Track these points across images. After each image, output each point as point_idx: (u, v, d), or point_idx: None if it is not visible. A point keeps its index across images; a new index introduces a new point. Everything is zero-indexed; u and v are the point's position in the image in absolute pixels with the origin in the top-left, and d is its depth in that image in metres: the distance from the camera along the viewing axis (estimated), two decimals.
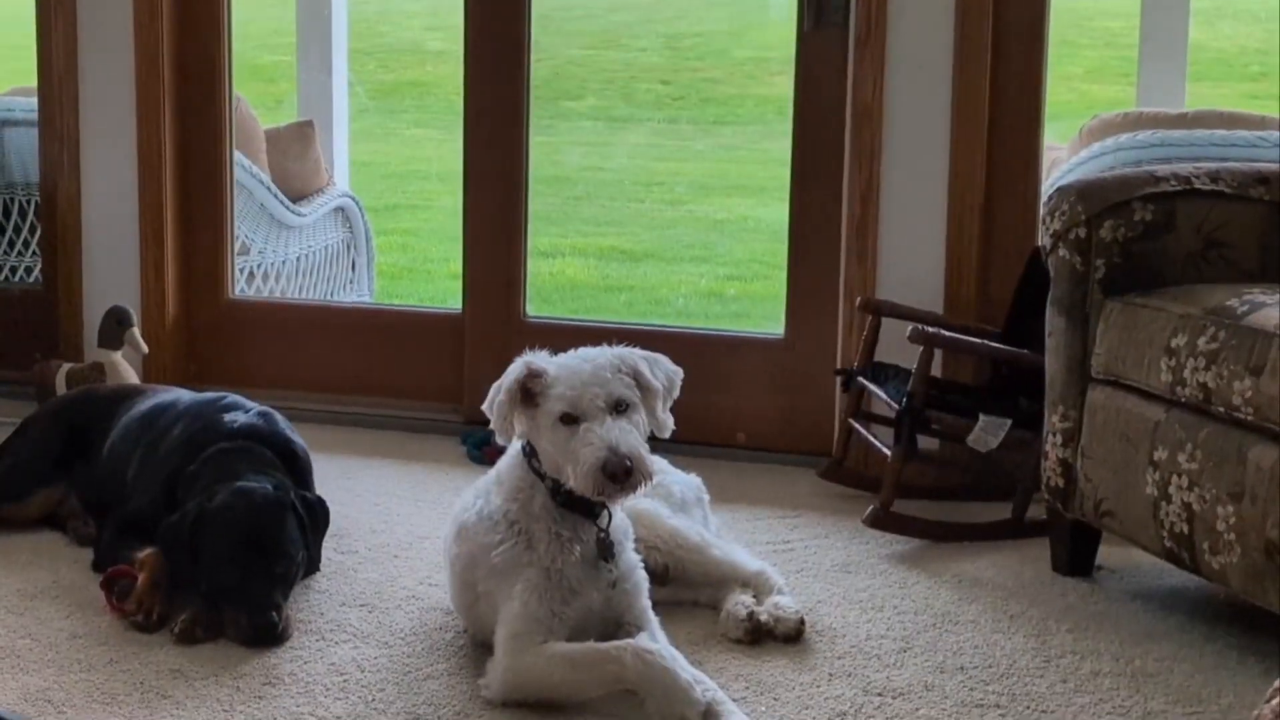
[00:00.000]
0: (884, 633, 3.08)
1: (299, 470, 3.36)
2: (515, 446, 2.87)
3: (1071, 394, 3.29)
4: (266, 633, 2.95)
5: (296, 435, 3.45)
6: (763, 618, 3.04)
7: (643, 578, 2.86)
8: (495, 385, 2.81)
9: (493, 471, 2.95)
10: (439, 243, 8.29)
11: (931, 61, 3.99)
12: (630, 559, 2.85)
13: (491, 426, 2.80)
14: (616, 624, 2.80)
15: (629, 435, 2.68)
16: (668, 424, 2.83)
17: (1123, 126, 4.54)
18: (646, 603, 2.84)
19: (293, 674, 2.84)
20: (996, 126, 4.00)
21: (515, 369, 2.78)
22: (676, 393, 2.88)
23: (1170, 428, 3.01)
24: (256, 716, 2.66)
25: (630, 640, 2.68)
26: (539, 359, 2.80)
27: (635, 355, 2.82)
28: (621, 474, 2.63)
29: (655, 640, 2.74)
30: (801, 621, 3.04)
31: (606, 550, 2.79)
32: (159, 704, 2.70)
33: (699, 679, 2.62)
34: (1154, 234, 3.25)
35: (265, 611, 2.96)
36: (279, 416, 3.45)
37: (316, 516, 3.24)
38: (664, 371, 2.86)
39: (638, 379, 2.78)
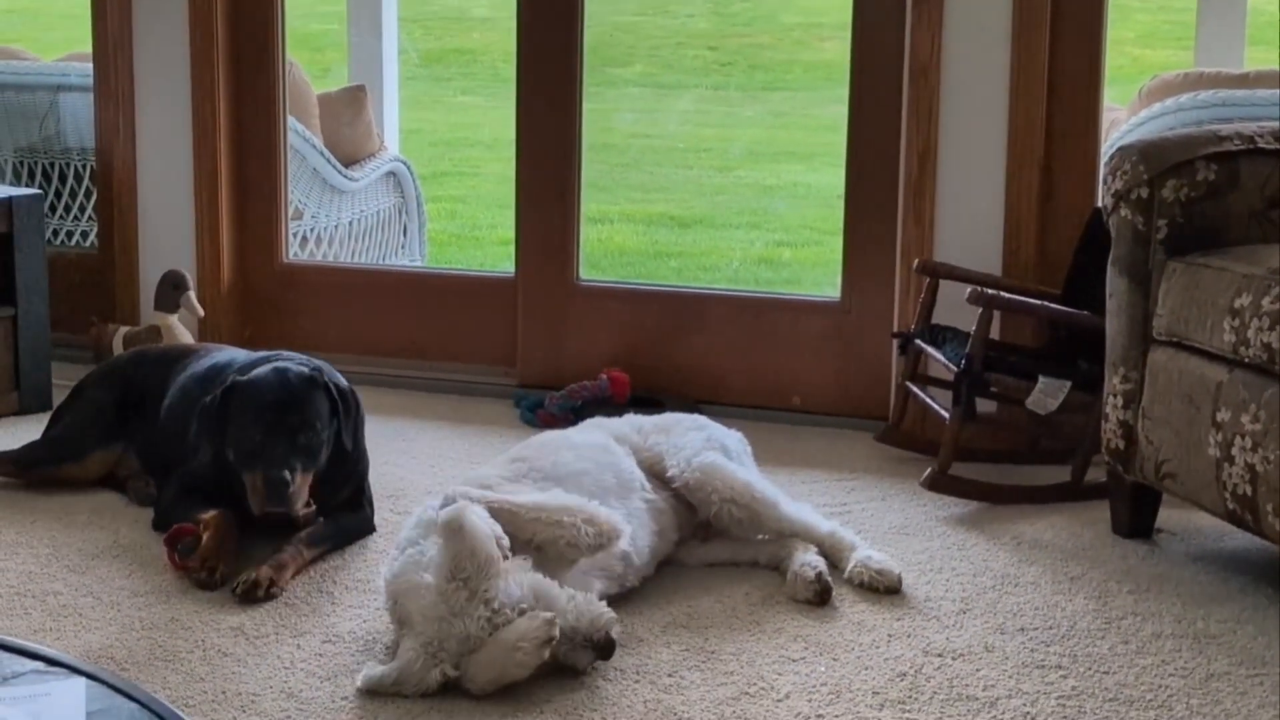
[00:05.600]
0: (943, 594, 3.07)
1: (349, 411, 3.36)
2: None
3: (1133, 355, 3.26)
4: (278, 489, 3.06)
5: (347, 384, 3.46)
6: (864, 577, 3.06)
7: None
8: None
9: None
10: (487, 209, 8.29)
11: (990, 20, 3.96)
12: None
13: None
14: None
15: None
16: None
17: (1183, 87, 4.49)
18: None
19: (352, 632, 2.85)
20: (1056, 86, 3.96)
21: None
22: None
23: (1233, 388, 2.98)
24: (317, 674, 2.67)
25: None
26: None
27: None
28: None
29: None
30: (900, 575, 3.08)
31: None
32: (220, 661, 2.72)
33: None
34: (1217, 193, 3.22)
35: (278, 468, 3.06)
36: (330, 368, 3.46)
37: (349, 403, 3.29)
38: None
39: None
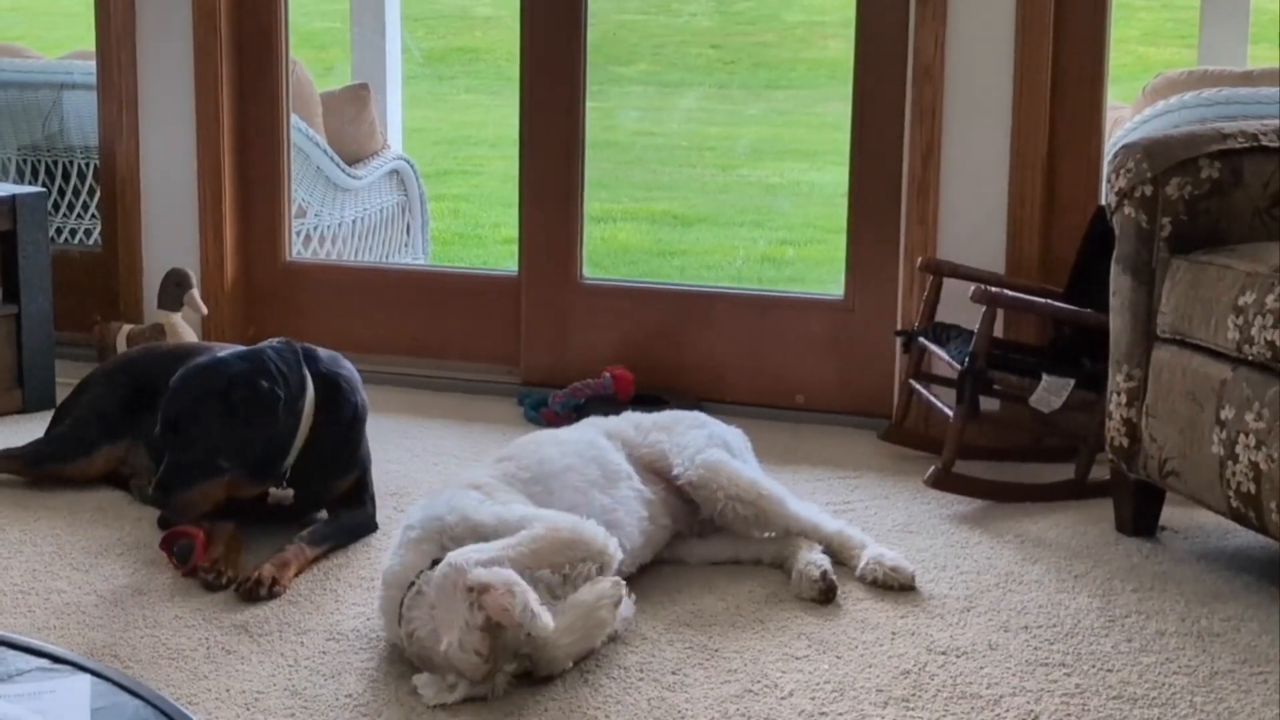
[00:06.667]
0: (947, 592, 3.07)
1: (338, 393, 3.33)
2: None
3: (1136, 353, 3.26)
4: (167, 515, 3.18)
5: (349, 369, 3.44)
6: (877, 574, 3.06)
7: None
8: None
9: None
10: (490, 208, 8.29)
11: (994, 18, 3.96)
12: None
13: None
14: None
15: None
16: None
17: (1187, 85, 4.49)
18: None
19: (356, 630, 2.85)
20: (1059, 84, 3.96)
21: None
22: None
23: (1237, 386, 2.98)
24: (320, 671, 2.67)
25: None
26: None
27: None
28: None
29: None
30: (913, 572, 3.08)
31: None
32: (224, 659, 2.72)
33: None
34: (1221, 191, 3.22)
35: (157, 489, 3.12)
36: (328, 357, 3.44)
37: (253, 406, 3.12)
38: None
39: None
